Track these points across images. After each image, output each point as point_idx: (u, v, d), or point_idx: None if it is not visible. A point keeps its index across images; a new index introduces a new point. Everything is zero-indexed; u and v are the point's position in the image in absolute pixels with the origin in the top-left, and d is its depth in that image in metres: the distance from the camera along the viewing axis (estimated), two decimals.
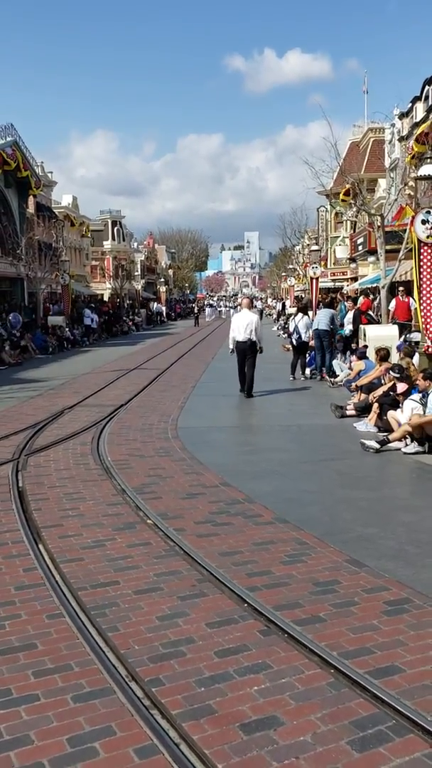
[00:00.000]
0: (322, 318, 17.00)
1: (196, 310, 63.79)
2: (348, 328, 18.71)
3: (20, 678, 3.83)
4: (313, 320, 17.65)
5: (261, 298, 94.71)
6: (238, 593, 4.82)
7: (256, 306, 15.90)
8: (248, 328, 14.06)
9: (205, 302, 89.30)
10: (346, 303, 22.43)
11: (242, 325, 14.16)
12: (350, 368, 15.39)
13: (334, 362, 16.78)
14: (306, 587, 4.95)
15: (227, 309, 77.70)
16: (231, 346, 14.57)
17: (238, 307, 64.63)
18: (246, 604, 4.67)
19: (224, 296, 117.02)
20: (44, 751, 3.20)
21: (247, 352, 14.16)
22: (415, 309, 14.44)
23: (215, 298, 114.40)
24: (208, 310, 71.30)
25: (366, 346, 14.57)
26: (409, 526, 6.26)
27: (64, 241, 42.90)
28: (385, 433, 9.67)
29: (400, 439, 9.26)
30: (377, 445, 9.17)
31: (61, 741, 3.27)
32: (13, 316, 28.13)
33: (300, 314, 18.25)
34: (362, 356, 13.76)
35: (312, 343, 17.31)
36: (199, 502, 7.12)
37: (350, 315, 19.04)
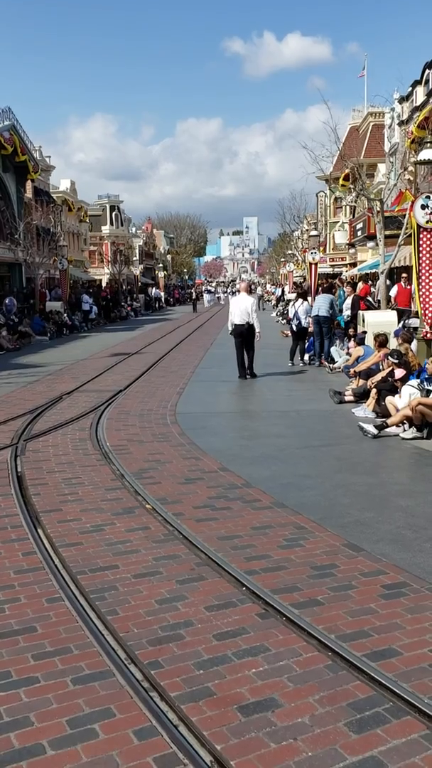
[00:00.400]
0: (322, 304, 16.92)
1: (194, 296, 60.78)
2: (346, 313, 18.67)
3: (20, 661, 3.85)
4: (312, 306, 17.61)
5: (260, 284, 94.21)
6: (237, 577, 4.85)
7: (255, 291, 16.68)
8: (245, 312, 14.59)
9: (204, 288, 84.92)
10: (345, 288, 22.38)
11: (240, 308, 14.71)
12: (348, 354, 15.40)
13: (333, 348, 16.76)
14: (304, 571, 4.97)
15: (225, 295, 73.99)
16: (230, 328, 15.11)
17: (236, 292, 64.49)
18: (244, 588, 4.70)
19: (222, 282, 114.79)
20: (44, 732, 3.23)
21: (245, 335, 14.61)
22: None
23: (213, 284, 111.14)
24: (206, 296, 69.23)
25: (365, 332, 14.55)
26: (407, 511, 6.29)
27: (63, 226, 42.70)
28: (383, 418, 9.68)
29: (398, 424, 9.27)
30: (375, 430, 9.19)
31: (60, 723, 3.30)
32: (8, 300, 28.04)
33: (300, 300, 18.20)
34: (361, 342, 13.75)
35: (311, 329, 17.29)
36: (197, 486, 7.14)
37: (349, 300, 19.00)
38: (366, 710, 3.36)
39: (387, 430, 9.30)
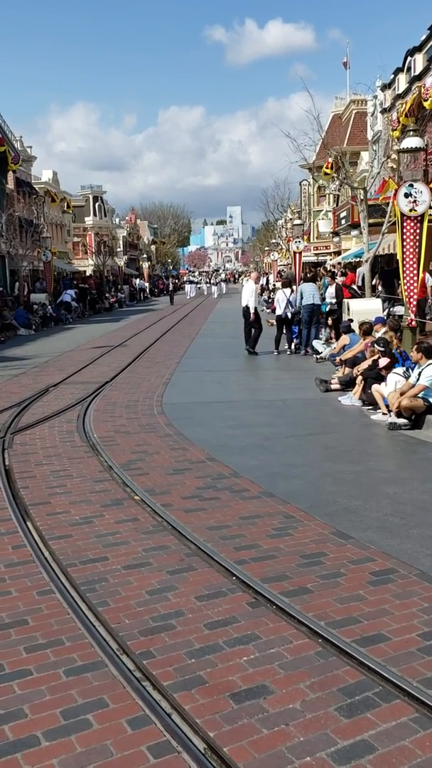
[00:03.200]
0: (313, 292, 17.29)
1: (171, 288, 54.33)
2: (330, 302, 18.70)
3: (12, 653, 3.87)
4: (297, 294, 17.63)
5: (245, 273, 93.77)
6: (227, 567, 4.88)
7: (260, 281, 21.68)
8: (245, 296, 17.49)
9: (186, 278, 79.03)
10: (327, 278, 22.43)
11: (243, 293, 17.88)
12: (330, 343, 15.49)
13: (315, 341, 16.75)
14: (293, 560, 5.02)
15: (208, 285, 69.46)
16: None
17: (221, 283, 63.75)
18: (234, 577, 4.73)
19: (206, 271, 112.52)
20: (38, 724, 3.25)
21: (246, 314, 17.38)
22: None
23: (196, 273, 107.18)
24: (187, 286, 64.26)
25: (351, 320, 14.61)
26: (394, 498, 6.35)
27: (45, 217, 42.39)
28: (370, 407, 9.73)
29: (385, 412, 9.34)
30: (398, 422, 9.04)
31: (54, 714, 3.32)
32: None
33: (286, 288, 18.25)
34: (347, 330, 13.79)
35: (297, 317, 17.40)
36: (185, 477, 7.17)
37: (332, 289, 19.04)
38: (356, 695, 3.41)
39: (374, 417, 9.40)
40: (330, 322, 17.49)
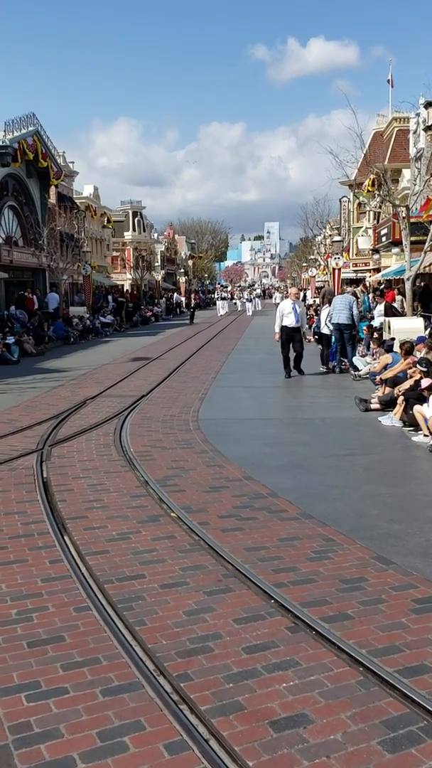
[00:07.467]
0: (342, 309, 16.36)
1: (192, 305, 47.87)
2: (379, 320, 18.43)
3: (49, 671, 3.84)
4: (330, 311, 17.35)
5: (279, 288, 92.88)
6: (265, 589, 4.80)
7: (299, 297, 18.94)
8: (285, 315, 16.11)
9: (217, 294, 71.43)
10: (369, 295, 22.24)
11: (282, 312, 16.29)
12: (373, 359, 15.26)
13: (355, 358, 16.53)
14: (333, 584, 4.91)
15: (242, 302, 62.20)
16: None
17: (256, 299, 61.27)
18: (273, 600, 4.65)
19: (240, 286, 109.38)
20: (74, 744, 3.21)
21: (290, 336, 16.16)
22: None
23: (228, 289, 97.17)
24: (219, 303, 57.85)
25: (393, 339, 14.43)
26: None
27: (86, 231, 42.96)
28: (411, 428, 9.57)
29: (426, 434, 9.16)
30: None
31: (91, 735, 3.28)
32: (20, 312, 28.07)
33: (324, 305, 18.14)
34: (389, 349, 13.62)
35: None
36: (222, 495, 7.11)
37: (381, 307, 18.83)
38: (400, 728, 3.30)
39: (415, 438, 9.22)
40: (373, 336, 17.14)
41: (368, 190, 27.95)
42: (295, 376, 15.95)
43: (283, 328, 15.93)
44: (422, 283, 21.28)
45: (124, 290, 51.89)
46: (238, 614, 4.48)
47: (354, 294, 19.66)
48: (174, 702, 3.53)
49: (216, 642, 4.14)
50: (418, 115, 29.79)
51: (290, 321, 15.84)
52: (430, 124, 27.81)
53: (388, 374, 12.22)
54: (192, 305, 47.63)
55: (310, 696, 3.58)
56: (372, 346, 15.92)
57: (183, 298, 64.56)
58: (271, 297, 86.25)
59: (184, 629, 4.30)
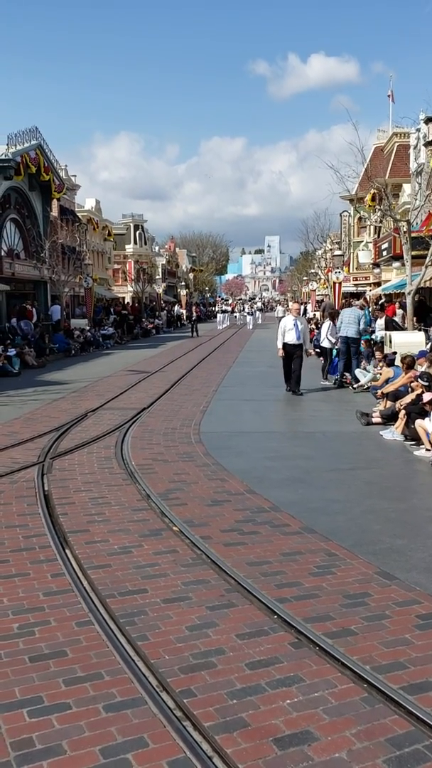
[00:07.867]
0: (350, 322, 16.30)
1: (194, 317, 46.16)
2: (380, 334, 18.47)
3: (51, 686, 3.82)
4: (337, 324, 17.41)
5: (281, 301, 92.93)
6: (268, 604, 4.78)
7: (299, 313, 17.46)
8: (287, 331, 15.55)
9: (218, 307, 70.20)
10: (369, 308, 22.28)
11: (284, 327, 15.69)
12: (378, 374, 15.25)
13: (357, 371, 16.54)
14: (336, 599, 4.89)
15: (243, 315, 62.23)
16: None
17: (257, 312, 60.86)
18: (276, 616, 4.63)
19: (240, 299, 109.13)
20: (77, 761, 3.18)
21: (292, 353, 15.57)
22: None
23: (229, 302, 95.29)
24: (219, 316, 57.63)
25: (395, 353, 14.43)
26: None
27: (87, 244, 43.10)
28: (413, 442, 9.56)
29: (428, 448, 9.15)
30: None
31: (93, 752, 3.25)
32: (24, 323, 28.15)
33: (326, 320, 18.18)
34: (391, 363, 13.62)
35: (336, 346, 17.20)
36: (224, 509, 7.08)
37: (382, 321, 18.86)
38: (405, 746, 3.27)
39: (417, 453, 9.20)
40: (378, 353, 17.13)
41: (369, 205, 28.06)
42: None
43: (284, 345, 15.52)
44: (417, 298, 21.31)
45: (125, 303, 51.99)
46: (241, 629, 4.45)
47: (361, 307, 19.63)
48: (177, 718, 3.50)
49: (219, 657, 4.11)
50: (418, 130, 29.96)
51: (291, 338, 15.40)
52: (430, 139, 27.97)
53: (390, 388, 12.22)
54: (193, 318, 46.56)
55: (315, 713, 3.55)
56: (377, 354, 15.86)
57: (183, 311, 64.55)
58: (272, 310, 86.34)
59: (186, 644, 4.27)
